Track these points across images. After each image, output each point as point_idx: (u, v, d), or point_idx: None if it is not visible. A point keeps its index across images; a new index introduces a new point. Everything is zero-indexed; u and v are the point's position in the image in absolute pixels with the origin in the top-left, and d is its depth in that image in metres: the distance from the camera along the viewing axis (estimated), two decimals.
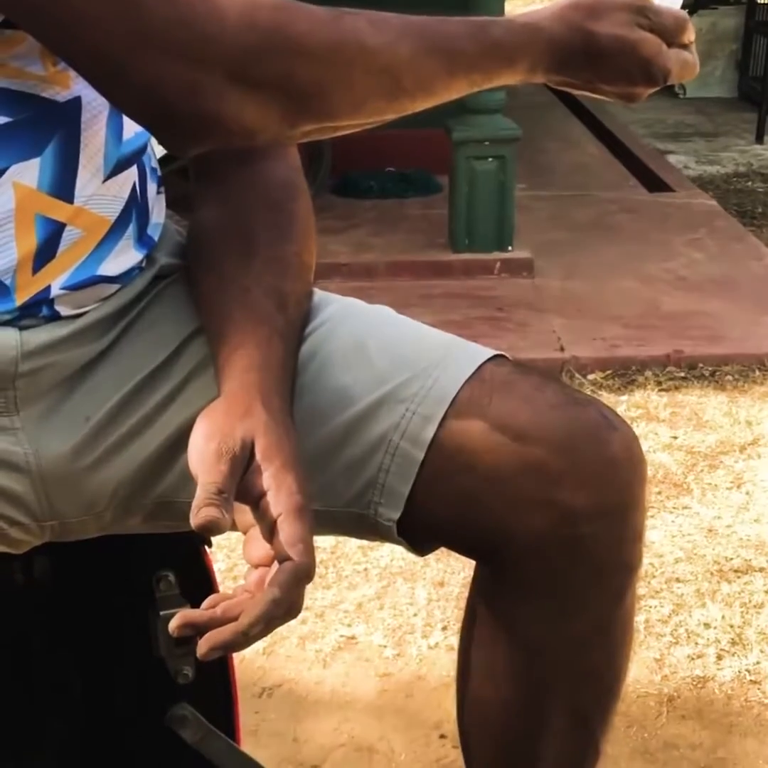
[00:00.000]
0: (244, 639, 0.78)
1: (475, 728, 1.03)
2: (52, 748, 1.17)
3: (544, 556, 0.91)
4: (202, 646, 0.78)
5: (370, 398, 0.94)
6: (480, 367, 0.94)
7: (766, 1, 7.61)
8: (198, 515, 0.77)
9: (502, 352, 0.97)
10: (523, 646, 0.96)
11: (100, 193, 0.93)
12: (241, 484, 0.82)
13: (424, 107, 0.86)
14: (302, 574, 0.79)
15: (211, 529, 0.77)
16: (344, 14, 0.81)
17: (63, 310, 0.93)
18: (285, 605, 0.79)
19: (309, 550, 0.80)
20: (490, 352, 0.96)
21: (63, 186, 0.90)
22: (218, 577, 1.20)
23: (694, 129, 7.25)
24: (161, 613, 1.00)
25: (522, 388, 0.93)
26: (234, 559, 2.38)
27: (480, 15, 0.91)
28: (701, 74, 7.19)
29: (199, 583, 1.11)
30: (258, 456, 0.83)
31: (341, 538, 2.08)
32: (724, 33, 8.18)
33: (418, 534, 0.96)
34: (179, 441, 0.94)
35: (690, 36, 0.89)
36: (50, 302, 0.92)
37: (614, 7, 0.86)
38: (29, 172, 0.88)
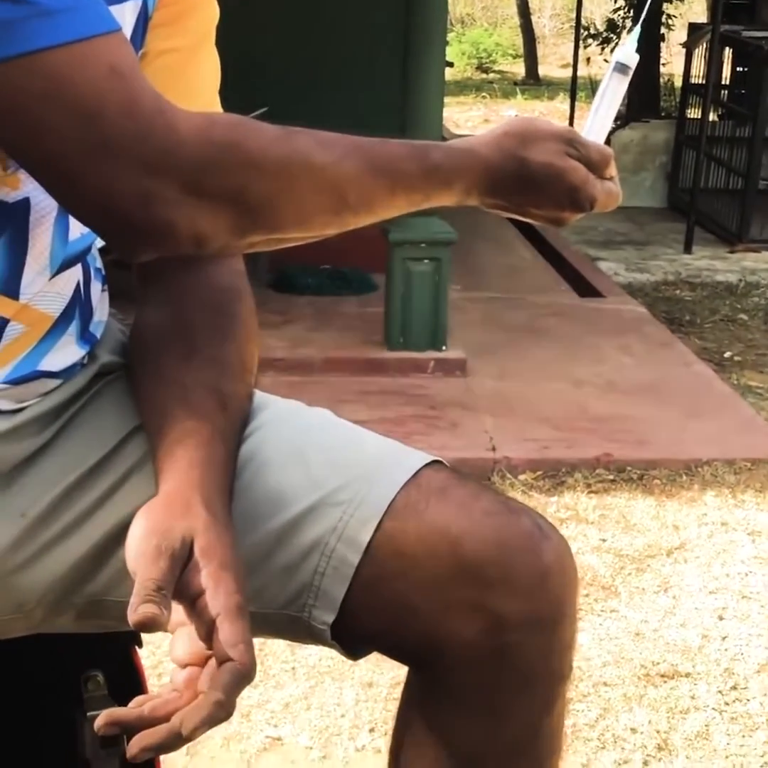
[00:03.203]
0: (181, 741, 0.77)
1: None
2: None
3: (475, 664, 0.91)
4: (134, 746, 0.77)
5: (306, 501, 0.94)
6: (417, 472, 0.96)
7: (695, 116, 7.88)
8: (137, 612, 0.77)
9: (439, 458, 0.99)
10: (453, 752, 0.96)
11: (44, 290, 0.94)
12: (179, 582, 0.82)
13: (366, 223, 0.89)
14: (244, 675, 0.79)
15: (150, 625, 0.77)
16: (294, 132, 0.84)
17: (2, 404, 0.93)
18: (227, 707, 0.78)
19: (250, 651, 0.80)
20: (428, 458, 0.98)
21: (9, 283, 0.91)
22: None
23: (624, 237, 7.44)
24: (88, 713, 0.99)
25: (458, 494, 0.94)
26: (159, 656, 2.35)
27: (419, 136, 0.95)
28: (632, 184, 7.40)
29: (128, 683, 1.09)
30: (197, 554, 0.83)
31: None
32: (654, 145, 8.45)
33: (352, 638, 0.96)
34: (115, 538, 0.94)
35: (613, 170, 0.94)
36: None
37: (545, 136, 0.91)
38: None
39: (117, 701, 1.02)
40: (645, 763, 2.18)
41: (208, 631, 0.81)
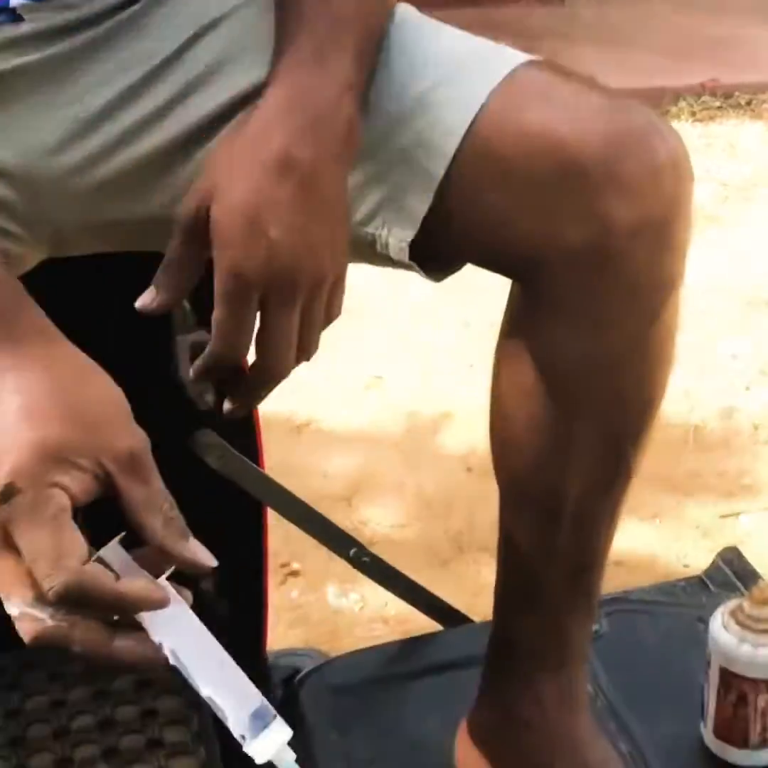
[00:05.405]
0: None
1: (504, 444, 1.00)
2: None
3: (580, 272, 0.86)
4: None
5: (388, 110, 0.86)
6: (515, 70, 0.86)
7: None
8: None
9: (542, 58, 0.89)
10: (555, 363, 0.92)
11: None
12: None
13: None
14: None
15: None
16: None
17: None
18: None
19: None
20: (528, 57, 0.88)
21: None
22: None
23: None
24: (178, 337, 0.98)
25: (562, 93, 0.86)
26: None
27: None
28: None
29: None
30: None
31: (366, 273, 2.06)
32: None
33: (440, 256, 0.91)
34: (180, 149, 0.87)
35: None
36: None
37: None
38: None
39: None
40: (747, 387, 2.18)
41: None
